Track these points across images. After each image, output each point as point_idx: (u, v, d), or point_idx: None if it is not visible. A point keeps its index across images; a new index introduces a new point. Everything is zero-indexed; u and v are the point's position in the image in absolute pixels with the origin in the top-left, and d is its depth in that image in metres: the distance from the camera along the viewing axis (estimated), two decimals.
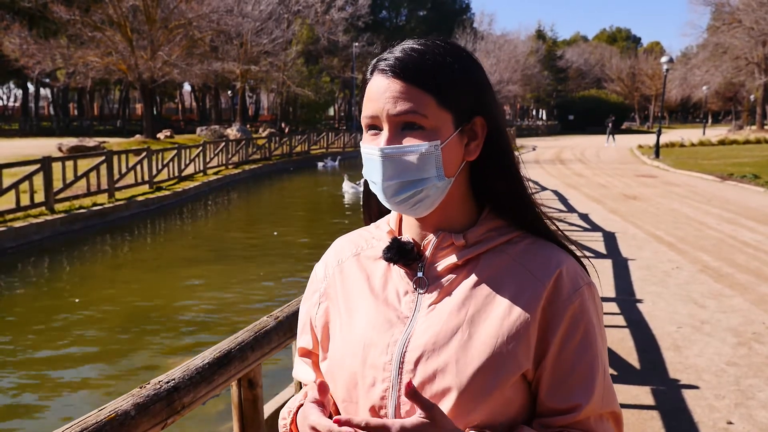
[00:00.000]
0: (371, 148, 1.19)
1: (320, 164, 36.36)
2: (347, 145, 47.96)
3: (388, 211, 1.38)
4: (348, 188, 22.68)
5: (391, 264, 1.28)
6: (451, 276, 1.23)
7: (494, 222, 1.26)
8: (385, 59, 1.20)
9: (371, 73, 1.21)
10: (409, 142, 1.16)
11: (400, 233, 1.32)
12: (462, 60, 1.21)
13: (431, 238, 1.25)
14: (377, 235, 1.35)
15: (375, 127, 1.20)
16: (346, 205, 21.58)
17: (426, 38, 1.23)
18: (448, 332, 1.18)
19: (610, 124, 52.75)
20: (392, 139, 1.17)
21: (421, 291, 1.24)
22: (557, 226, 1.30)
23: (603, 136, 57.40)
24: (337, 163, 36.44)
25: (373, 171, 1.20)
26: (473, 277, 1.22)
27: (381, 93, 1.18)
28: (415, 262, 1.25)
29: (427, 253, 1.25)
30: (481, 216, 1.26)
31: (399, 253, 1.25)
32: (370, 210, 1.43)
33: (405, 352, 1.19)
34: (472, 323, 1.18)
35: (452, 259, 1.24)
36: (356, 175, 25.32)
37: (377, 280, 1.30)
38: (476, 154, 1.22)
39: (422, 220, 1.26)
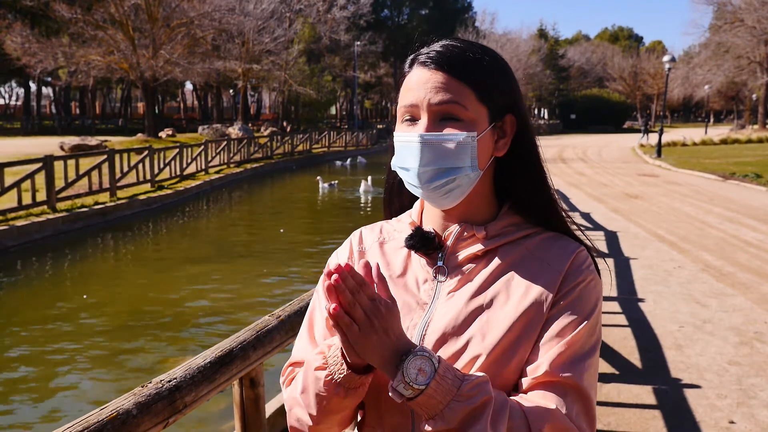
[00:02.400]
0: (408, 135, 1.23)
1: (339, 162, 36.50)
2: (349, 144, 47.96)
3: (409, 207, 1.42)
4: (363, 189, 22.51)
5: (412, 253, 1.32)
6: (471, 266, 1.27)
7: (514, 217, 1.30)
8: (426, 53, 1.24)
9: (410, 66, 1.26)
10: (447, 131, 1.21)
11: (421, 225, 1.35)
12: (497, 60, 1.26)
13: (453, 229, 1.29)
14: (399, 227, 1.39)
15: (412, 117, 1.24)
16: (357, 204, 21.59)
17: (461, 38, 1.28)
18: (467, 317, 1.22)
19: (643, 124, 53.10)
20: (431, 128, 1.21)
21: (441, 279, 1.28)
22: (578, 225, 1.35)
23: (605, 135, 57.43)
24: (364, 160, 36.66)
25: (408, 157, 1.23)
26: (491, 267, 1.26)
27: (423, 83, 1.22)
28: (436, 251, 1.30)
29: (449, 243, 1.29)
30: (501, 211, 1.31)
31: (421, 241, 1.30)
32: (392, 206, 1.47)
33: (424, 335, 1.23)
34: (490, 308, 1.22)
35: (472, 249, 1.27)
36: (329, 176, 25.34)
37: (397, 268, 1.33)
38: (504, 150, 1.27)
39: (446, 212, 1.30)
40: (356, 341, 1.09)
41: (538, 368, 1.16)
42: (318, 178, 23.96)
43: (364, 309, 1.09)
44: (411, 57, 1.27)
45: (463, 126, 1.20)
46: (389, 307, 1.11)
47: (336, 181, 23.94)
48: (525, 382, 1.17)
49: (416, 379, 1.09)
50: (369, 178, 23.05)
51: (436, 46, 1.24)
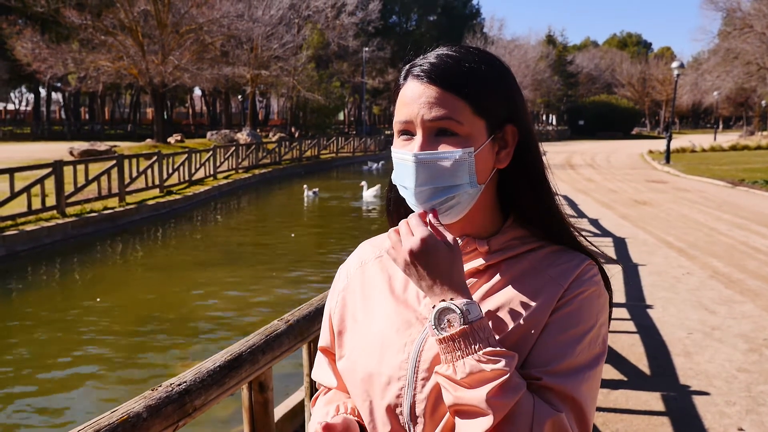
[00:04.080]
0: (404, 153, 1.19)
1: (365, 167, 36.60)
2: (357, 149, 48.00)
3: None
4: (374, 194, 22.53)
5: None
6: (472, 280, 1.24)
7: (518, 231, 1.26)
8: (420, 65, 1.20)
9: (404, 79, 1.22)
10: (443, 148, 1.17)
11: None
12: (496, 68, 1.21)
13: None
14: None
15: (408, 132, 1.20)
16: (366, 211, 21.61)
17: (459, 45, 1.24)
18: None
19: (664, 131, 53.63)
20: (426, 145, 1.17)
21: None
22: (585, 237, 1.30)
23: (613, 141, 57.51)
24: (380, 165, 36.77)
25: (405, 176, 1.20)
26: (493, 282, 1.23)
27: (416, 98, 1.18)
28: None
29: None
30: (506, 224, 1.27)
31: None
32: (397, 216, 1.42)
33: (422, 351, 1.20)
34: (491, 323, 1.18)
35: (475, 264, 1.24)
36: (312, 183, 25.25)
37: (398, 282, 1.31)
38: (507, 162, 1.23)
39: (448, 225, 1.25)
40: None
41: (536, 373, 1.13)
42: (304, 186, 23.74)
43: None
44: (406, 68, 1.23)
45: (459, 141, 1.16)
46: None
47: (317, 189, 23.76)
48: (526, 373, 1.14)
49: (444, 327, 1.10)
50: (364, 183, 23.14)
51: (431, 57, 1.20)
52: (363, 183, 23.20)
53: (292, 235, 16.71)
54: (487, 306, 1.20)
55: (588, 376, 1.15)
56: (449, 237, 1.16)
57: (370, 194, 22.59)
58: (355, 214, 21.25)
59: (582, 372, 1.14)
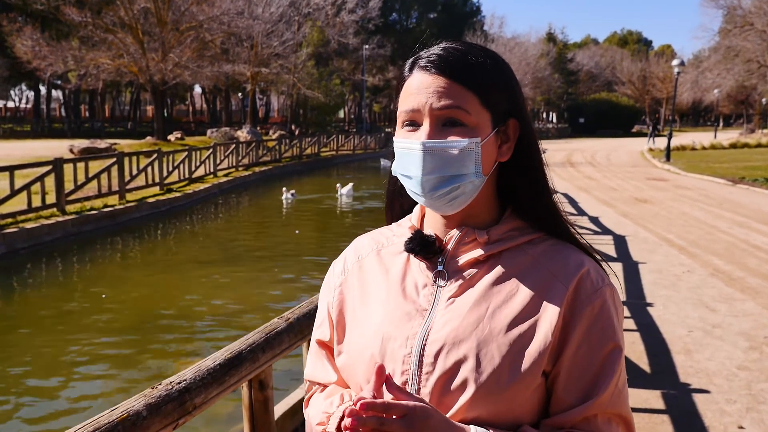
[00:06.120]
0: (410, 142, 1.20)
1: (382, 166, 36.58)
2: (357, 147, 47.98)
3: (410, 211, 1.39)
4: (346, 192, 22.98)
5: (411, 257, 1.30)
6: (472, 270, 1.24)
7: (516, 222, 1.27)
8: (427, 57, 1.22)
9: (410, 71, 1.23)
10: (450, 137, 1.18)
11: (422, 229, 1.32)
12: (499, 63, 1.23)
13: (454, 233, 1.26)
14: (398, 232, 1.36)
15: (413, 122, 1.21)
16: (349, 209, 21.62)
17: (462, 41, 1.25)
18: (468, 326, 1.19)
19: (650, 126, 53.62)
20: (433, 134, 1.18)
21: (441, 284, 1.25)
22: (577, 230, 1.31)
23: (614, 139, 57.67)
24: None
25: (411, 165, 1.20)
26: (494, 274, 1.23)
27: (424, 88, 1.19)
28: (435, 255, 1.27)
29: (449, 247, 1.26)
30: (504, 215, 1.28)
31: (421, 244, 1.27)
32: (393, 210, 1.44)
33: (425, 345, 1.20)
34: (492, 319, 1.19)
35: (474, 254, 1.25)
36: (291, 185, 25.21)
37: (396, 273, 1.30)
38: (508, 155, 1.24)
39: (447, 216, 1.27)
40: None
41: (582, 406, 1.16)
42: (284, 189, 23.54)
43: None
44: (411, 60, 1.24)
45: (466, 131, 1.18)
46: (424, 413, 1.09)
47: (294, 191, 23.61)
48: (567, 417, 1.17)
49: None
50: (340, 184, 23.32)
51: (437, 50, 1.21)
52: (338, 184, 23.50)
53: (297, 231, 16.72)
54: (488, 300, 1.21)
55: (623, 386, 1.21)
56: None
57: (343, 193, 23.01)
58: (326, 215, 21.23)
59: (621, 389, 1.20)
